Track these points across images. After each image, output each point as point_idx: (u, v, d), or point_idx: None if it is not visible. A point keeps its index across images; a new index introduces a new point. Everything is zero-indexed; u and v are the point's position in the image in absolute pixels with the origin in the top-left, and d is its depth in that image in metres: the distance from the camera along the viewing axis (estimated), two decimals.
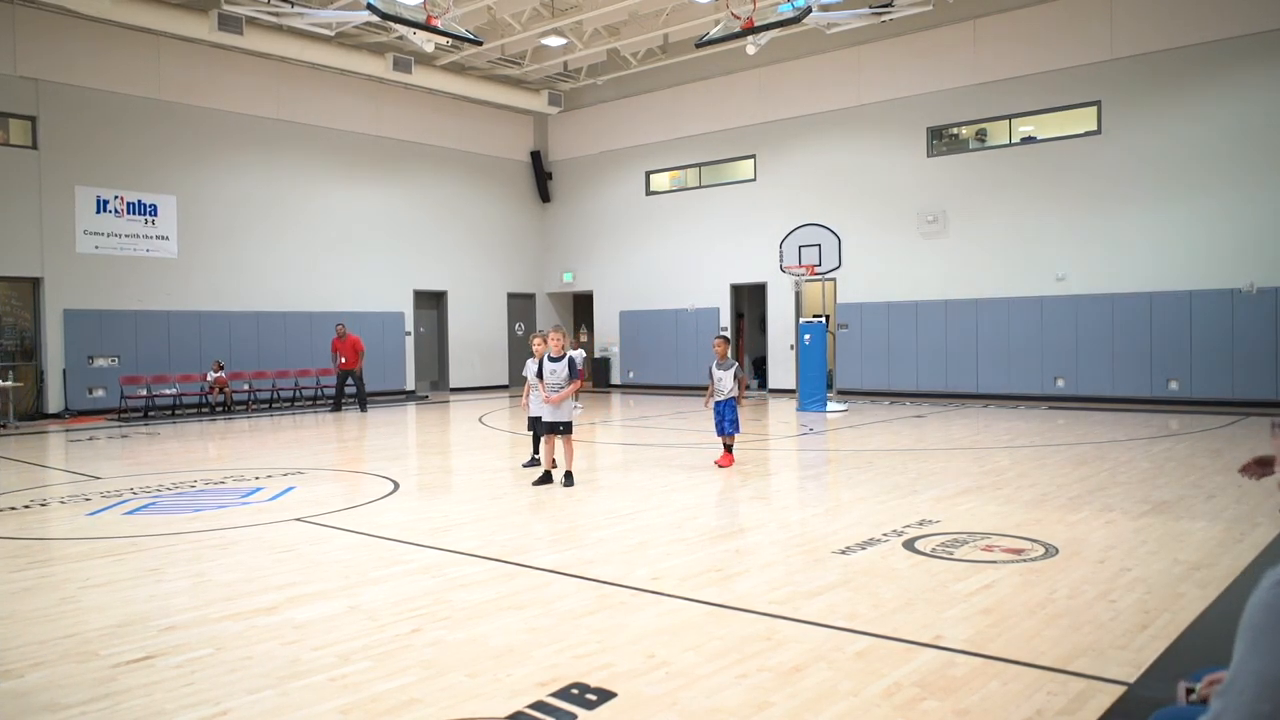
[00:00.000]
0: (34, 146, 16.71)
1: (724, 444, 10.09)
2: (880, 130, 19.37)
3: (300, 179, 20.32)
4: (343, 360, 18.21)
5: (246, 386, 18.84)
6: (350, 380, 18.38)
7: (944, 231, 18.53)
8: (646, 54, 21.83)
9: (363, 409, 18.20)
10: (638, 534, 6.66)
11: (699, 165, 22.53)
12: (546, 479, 8.87)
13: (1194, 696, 2.25)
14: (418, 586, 5.30)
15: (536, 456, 10.01)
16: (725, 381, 9.91)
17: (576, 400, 19.19)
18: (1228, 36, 15.53)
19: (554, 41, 20.38)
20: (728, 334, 21.52)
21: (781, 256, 17.49)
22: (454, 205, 23.32)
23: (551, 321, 25.68)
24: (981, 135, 18.55)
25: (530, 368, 9.15)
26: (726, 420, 9.93)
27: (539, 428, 9.35)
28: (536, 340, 9.24)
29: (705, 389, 10.39)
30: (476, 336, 23.79)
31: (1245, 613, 1.61)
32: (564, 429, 8.84)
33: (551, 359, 8.85)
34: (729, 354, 10.12)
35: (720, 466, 9.89)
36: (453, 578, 5.49)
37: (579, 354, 18.18)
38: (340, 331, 18.50)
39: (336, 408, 18.42)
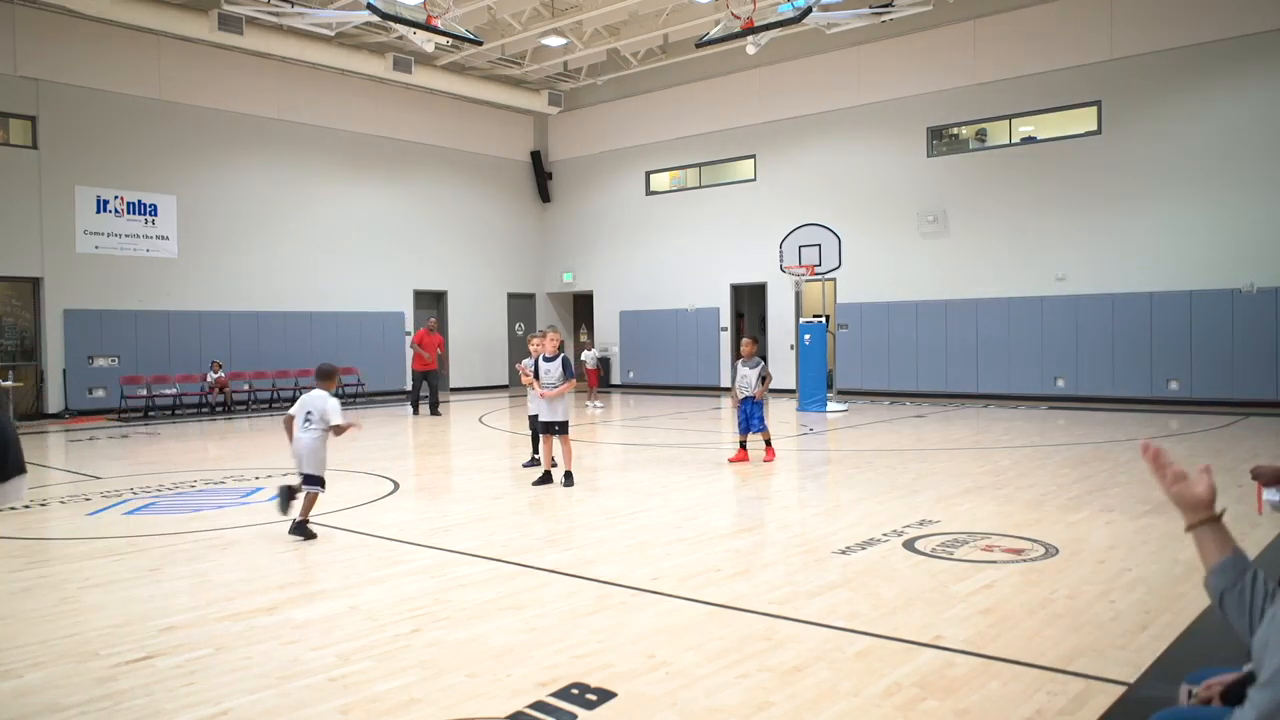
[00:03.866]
0: (34, 146, 16.71)
1: (741, 441, 10.25)
2: (880, 130, 19.37)
3: (300, 179, 20.32)
4: (427, 357, 17.09)
5: (246, 386, 18.83)
6: (426, 380, 17.27)
7: (944, 231, 18.53)
8: (646, 54, 21.83)
9: (435, 411, 17.25)
10: (638, 534, 6.66)
11: (699, 165, 22.52)
12: (546, 479, 8.88)
13: (1193, 700, 2.24)
14: (418, 586, 5.30)
15: (536, 456, 10.04)
16: (750, 379, 10.04)
17: (597, 400, 19.32)
18: (1227, 37, 15.52)
19: (554, 41, 20.38)
20: (732, 333, 21.53)
21: (781, 256, 17.49)
22: (454, 205, 23.31)
23: (549, 321, 25.68)
24: (981, 135, 18.54)
25: (528, 362, 9.17)
26: (754, 419, 10.08)
27: (538, 426, 9.39)
28: (534, 341, 9.28)
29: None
30: (476, 336, 23.78)
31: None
32: (559, 428, 8.85)
33: (546, 359, 8.90)
34: (755, 353, 10.29)
35: (731, 462, 10.10)
36: (453, 578, 5.50)
37: (592, 354, 18.10)
38: (432, 325, 17.58)
39: (417, 409, 17.40)
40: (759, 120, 21.16)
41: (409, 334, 21.93)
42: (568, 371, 8.83)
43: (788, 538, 6.52)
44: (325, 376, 6.97)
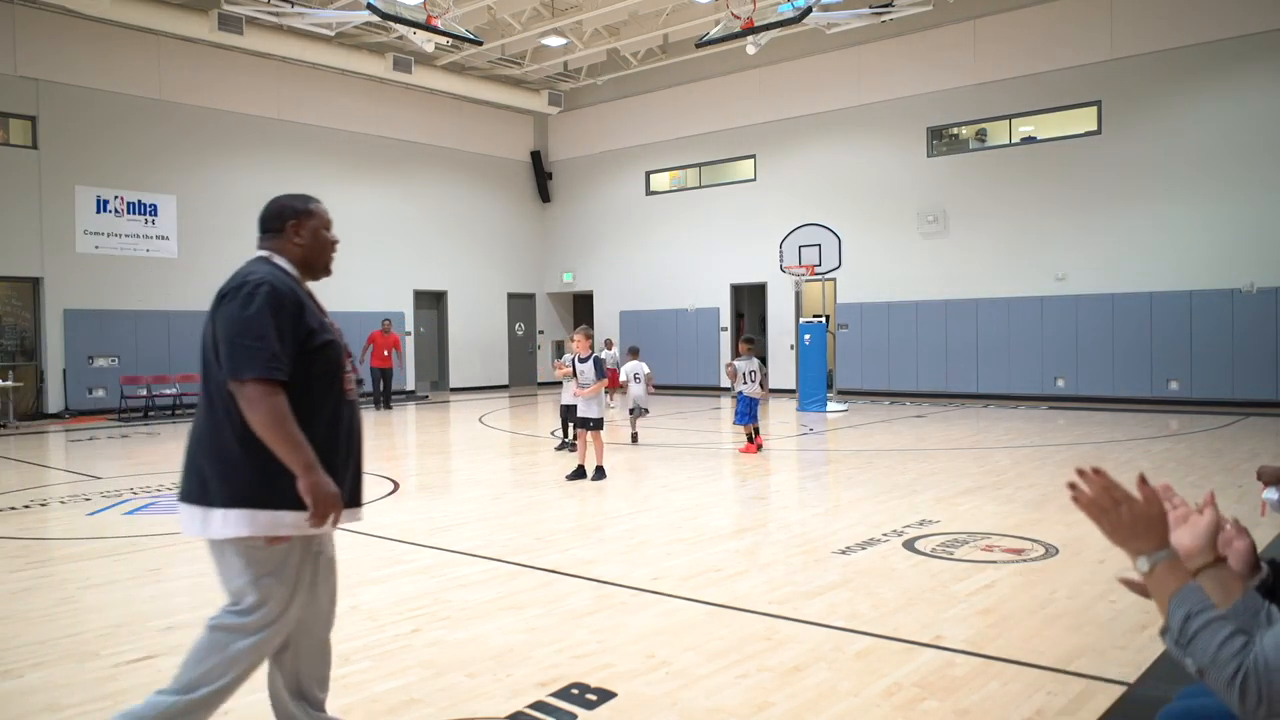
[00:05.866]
0: (34, 146, 16.71)
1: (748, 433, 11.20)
2: (880, 130, 19.37)
3: (300, 179, 20.29)
4: (385, 354, 18.58)
5: None
6: (383, 378, 18.75)
7: (944, 231, 18.52)
8: (646, 54, 21.83)
9: (388, 406, 18.87)
10: (638, 534, 6.66)
11: (699, 165, 22.52)
12: (579, 474, 9.11)
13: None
14: (418, 586, 5.30)
15: (567, 440, 11.26)
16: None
17: (611, 399, 19.94)
18: (1228, 36, 15.52)
19: (554, 41, 20.38)
20: (732, 333, 21.57)
21: (781, 256, 17.49)
22: (454, 205, 23.31)
23: (548, 321, 25.73)
24: (981, 135, 18.54)
25: (568, 358, 9.75)
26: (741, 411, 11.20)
27: (570, 416, 10.35)
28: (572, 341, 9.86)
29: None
30: (476, 336, 23.78)
31: None
32: (594, 424, 9.17)
33: (581, 359, 9.30)
34: (746, 353, 11.34)
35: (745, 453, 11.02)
36: (453, 578, 5.49)
37: (612, 354, 18.59)
38: (386, 327, 18.86)
39: (387, 405, 18.81)
40: (759, 120, 21.16)
41: (409, 334, 22.02)
42: (599, 371, 9.24)
43: (788, 538, 6.52)
44: (636, 352, 13.19)
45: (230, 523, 2.58)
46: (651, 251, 23.05)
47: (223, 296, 2.70)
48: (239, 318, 2.60)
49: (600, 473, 9.09)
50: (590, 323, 24.65)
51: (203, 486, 2.63)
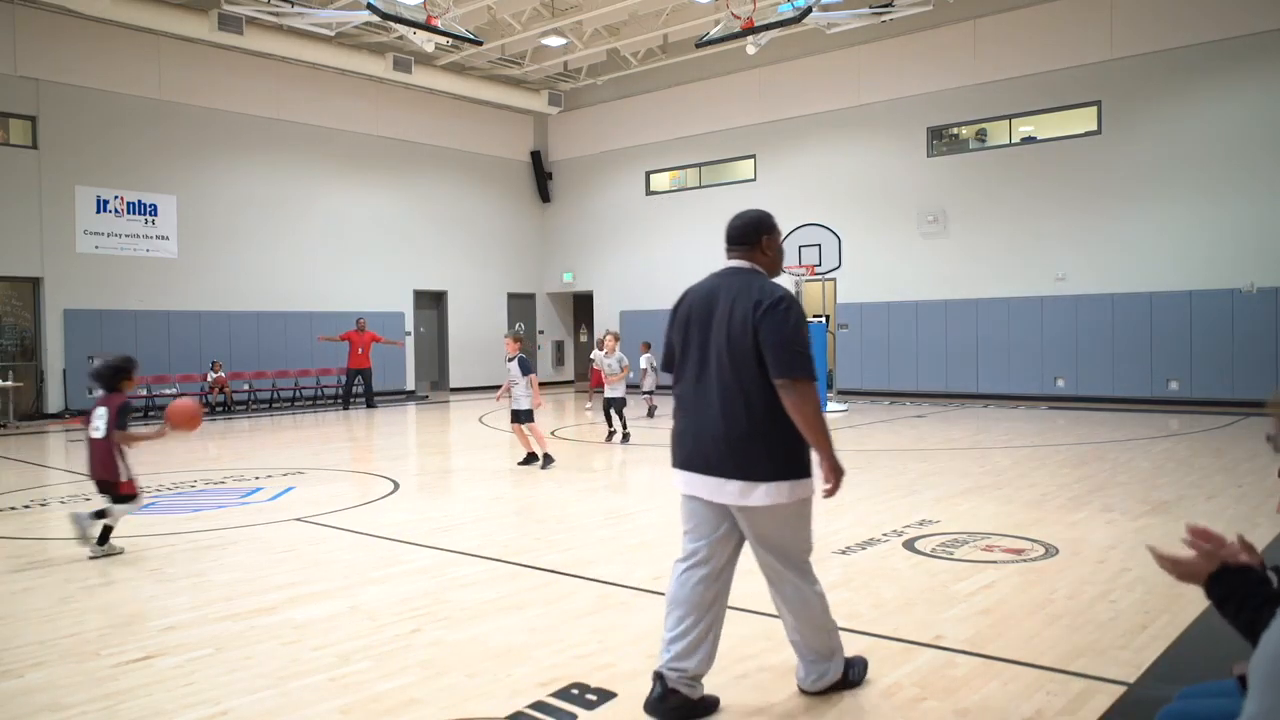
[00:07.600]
0: (34, 146, 16.71)
1: None
2: (880, 130, 19.36)
3: (300, 179, 20.32)
4: (360, 351, 18.75)
5: (246, 386, 18.83)
6: (360, 378, 18.92)
7: (944, 231, 18.52)
8: (646, 54, 21.83)
9: (370, 405, 19.00)
10: (638, 534, 6.66)
11: (699, 165, 22.52)
12: (529, 460, 10.00)
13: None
14: (418, 586, 5.30)
15: (613, 430, 12.41)
16: None
17: (589, 401, 20.23)
18: (1228, 37, 15.52)
19: (554, 41, 20.38)
20: None
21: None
22: (454, 205, 23.31)
23: (549, 321, 25.73)
24: (981, 135, 18.54)
25: (597, 355, 10.63)
26: None
27: (613, 407, 12.26)
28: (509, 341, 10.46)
29: None
30: (476, 336, 23.77)
31: (1263, 649, 1.56)
32: (523, 417, 9.99)
33: (508, 360, 10.11)
34: None
35: None
36: (453, 578, 5.50)
37: (599, 354, 19.00)
38: (361, 325, 18.97)
39: (370, 404, 19.03)
40: (759, 120, 21.15)
41: (408, 334, 22.02)
42: (525, 369, 10.04)
43: None
44: (648, 346, 14.53)
45: (772, 493, 3.21)
46: (651, 251, 23.05)
47: (761, 306, 3.24)
48: (789, 328, 3.21)
49: (547, 459, 9.84)
50: (590, 323, 24.71)
51: (742, 464, 3.24)
